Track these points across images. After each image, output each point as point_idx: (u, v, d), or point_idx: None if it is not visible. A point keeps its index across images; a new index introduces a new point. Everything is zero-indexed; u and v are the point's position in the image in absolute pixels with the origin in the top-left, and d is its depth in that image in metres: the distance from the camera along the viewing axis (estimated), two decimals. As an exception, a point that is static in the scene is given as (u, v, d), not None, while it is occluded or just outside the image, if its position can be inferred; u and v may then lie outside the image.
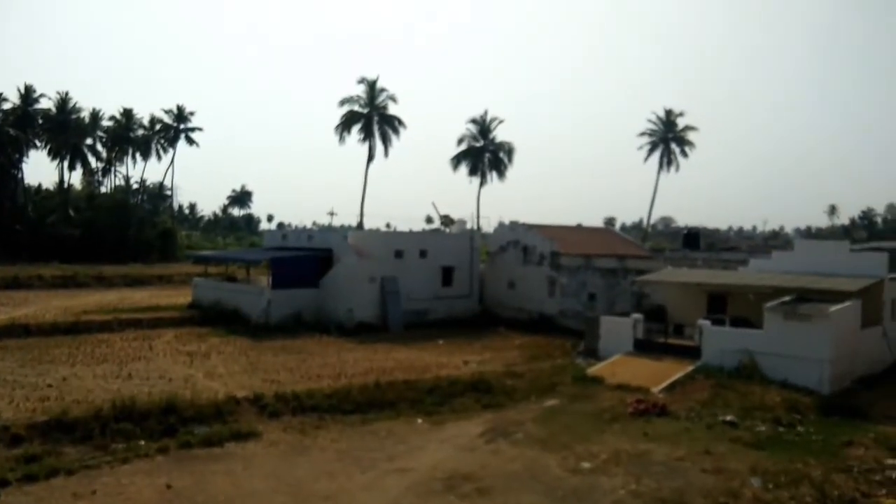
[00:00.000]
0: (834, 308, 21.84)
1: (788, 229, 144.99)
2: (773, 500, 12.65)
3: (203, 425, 16.86)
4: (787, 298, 23.19)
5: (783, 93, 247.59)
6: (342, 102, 66.59)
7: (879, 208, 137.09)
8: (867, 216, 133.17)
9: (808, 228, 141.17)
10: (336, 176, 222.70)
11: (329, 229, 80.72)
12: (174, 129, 79.32)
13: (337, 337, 30.52)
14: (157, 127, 79.48)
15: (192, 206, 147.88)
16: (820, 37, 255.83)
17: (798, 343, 21.54)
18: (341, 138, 66.99)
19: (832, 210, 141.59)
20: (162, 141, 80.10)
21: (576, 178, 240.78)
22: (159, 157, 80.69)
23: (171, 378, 21.24)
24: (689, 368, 22.96)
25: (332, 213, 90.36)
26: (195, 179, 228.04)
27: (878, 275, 25.22)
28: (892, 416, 18.76)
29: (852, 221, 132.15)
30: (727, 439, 16.66)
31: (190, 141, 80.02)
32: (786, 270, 26.67)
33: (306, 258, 35.82)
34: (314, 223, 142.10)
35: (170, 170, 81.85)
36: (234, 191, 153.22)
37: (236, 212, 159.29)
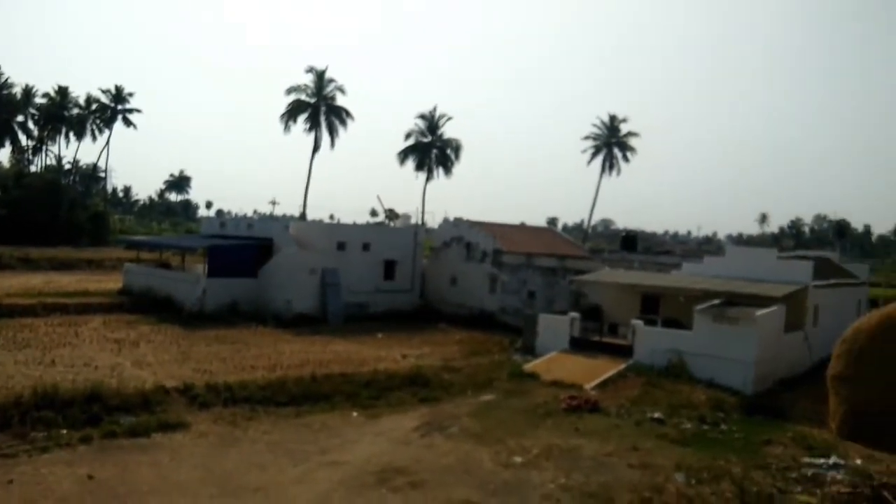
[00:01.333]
0: (760, 312, 22.73)
1: (721, 235, 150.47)
2: (695, 496, 13.08)
3: (129, 415, 16.32)
4: (716, 302, 24.01)
5: (721, 106, 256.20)
6: (289, 91, 65.57)
7: (807, 218, 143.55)
8: (795, 225, 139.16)
9: (740, 235, 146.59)
10: (280, 165, 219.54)
11: (270, 219, 79.40)
12: (111, 110, 76.52)
13: (274, 328, 30.01)
14: (94, 107, 76.49)
15: (127, 190, 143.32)
16: (756, 54, 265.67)
17: (725, 345, 22.36)
18: (286, 127, 65.97)
19: (763, 219, 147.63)
20: (98, 121, 77.16)
21: (521, 177, 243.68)
22: (94, 138, 77.82)
23: (98, 366, 20.47)
24: (622, 366, 23.54)
25: (274, 203, 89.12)
26: (131, 162, 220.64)
27: (802, 282, 26.37)
28: (809, 417, 19.58)
29: (781, 230, 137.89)
30: (654, 436, 17.14)
31: (127, 122, 77.40)
32: (716, 275, 27.62)
33: (245, 247, 35.09)
34: (255, 212, 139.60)
35: (105, 151, 79.04)
36: (171, 175, 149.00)
37: (173, 197, 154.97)
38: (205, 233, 42.01)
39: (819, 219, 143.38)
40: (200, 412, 17.25)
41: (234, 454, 14.56)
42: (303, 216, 70.30)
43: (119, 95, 76.50)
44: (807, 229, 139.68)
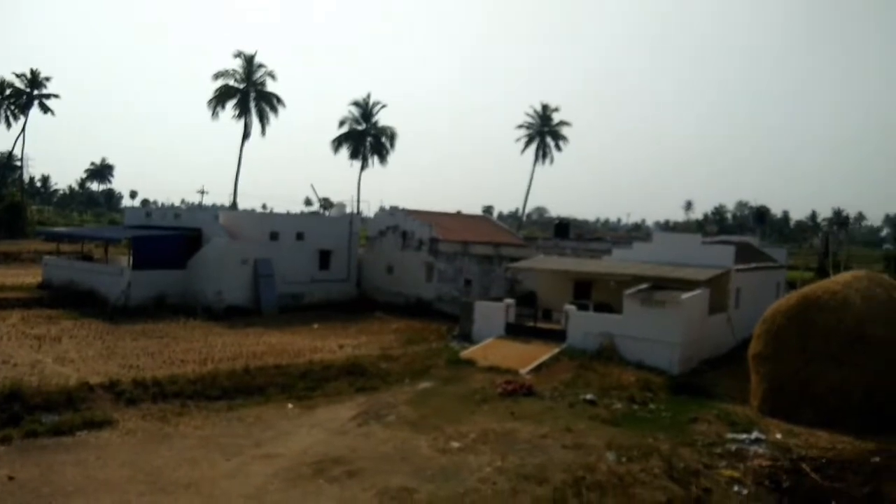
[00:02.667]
0: (685, 296, 23.58)
1: (649, 222, 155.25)
2: (625, 473, 13.50)
3: (52, 413, 15.67)
4: (644, 286, 24.76)
5: (649, 98, 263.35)
6: (216, 76, 63.53)
7: (730, 205, 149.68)
8: (719, 212, 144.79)
9: (667, 222, 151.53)
10: (208, 153, 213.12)
11: (199, 208, 77.03)
12: (27, 95, 72.48)
13: (204, 321, 29.23)
14: (7, 92, 72.26)
15: (45, 179, 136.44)
16: (683, 49, 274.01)
17: (653, 327, 23.11)
18: (214, 113, 63.93)
19: (688, 206, 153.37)
20: (12, 107, 72.95)
21: (457, 166, 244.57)
22: (8, 125, 73.50)
23: (17, 363, 19.53)
24: (555, 351, 24.03)
25: (202, 192, 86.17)
26: (50, 150, 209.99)
27: (725, 266, 27.46)
28: (732, 395, 20.48)
29: (705, 216, 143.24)
30: (587, 417, 17.59)
31: (44, 108, 73.49)
32: (645, 260, 28.46)
33: (172, 237, 33.97)
34: (183, 201, 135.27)
35: (20, 139, 74.82)
36: (93, 164, 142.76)
37: (95, 187, 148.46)
38: (129, 223, 40.39)
39: (741, 205, 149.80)
40: (128, 409, 16.68)
41: (164, 450, 14.15)
42: (233, 205, 68.50)
43: (35, 80, 72.55)
44: (729, 216, 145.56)
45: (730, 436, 16.50)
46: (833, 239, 73.56)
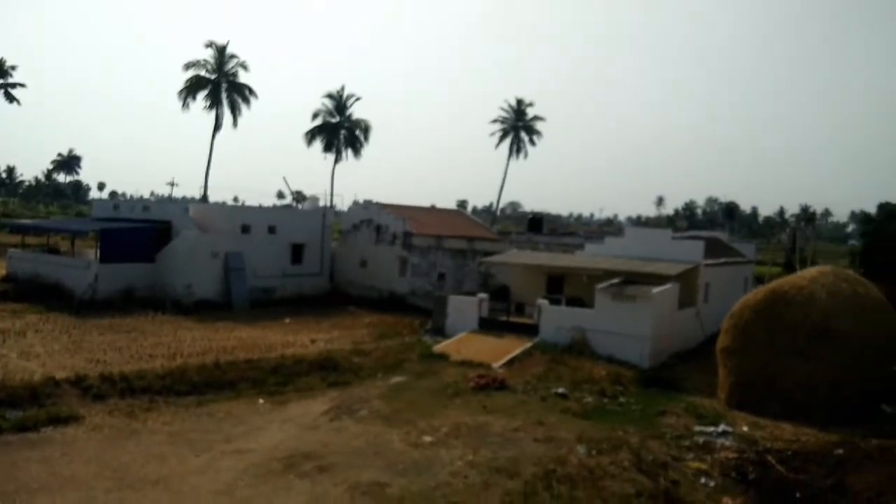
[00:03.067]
0: (656, 290, 23.86)
1: (621, 217, 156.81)
2: (595, 466, 13.63)
3: (16, 409, 15.36)
4: (616, 280, 25.01)
5: (622, 95, 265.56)
6: (187, 66, 62.47)
7: (700, 201, 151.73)
8: (689, 207, 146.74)
9: (638, 217, 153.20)
10: (179, 145, 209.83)
11: (168, 201, 75.89)
12: (-10, 84, 70.68)
13: (174, 315, 28.82)
14: (-31, 80, 70.41)
15: (11, 170, 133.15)
16: (654, 47, 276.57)
17: (624, 321, 23.35)
18: (185, 104, 62.88)
19: (659, 201, 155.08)
20: (-25, 96, 71.09)
21: (432, 161, 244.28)
22: (-30, 115, 71.66)
23: (-22, 359, 19.09)
24: (528, 345, 24.16)
25: (172, 184, 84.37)
26: (15, 141, 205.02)
27: (694, 260, 27.85)
28: (700, 388, 20.80)
29: (676, 212, 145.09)
30: (558, 410, 17.73)
31: (10, 98, 71.72)
32: (616, 255, 28.74)
33: (141, 230, 33.40)
34: (153, 194, 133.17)
35: (-18, 128, 72.93)
36: (60, 155, 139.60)
37: (62, 178, 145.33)
38: (97, 216, 39.60)
39: (711, 201, 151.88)
40: (95, 404, 16.41)
41: (132, 446, 13.95)
42: (204, 198, 67.51)
43: (0, 69, 70.75)
44: (699, 211, 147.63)
45: (698, 428, 16.76)
46: (800, 235, 74.96)
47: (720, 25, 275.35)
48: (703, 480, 13.33)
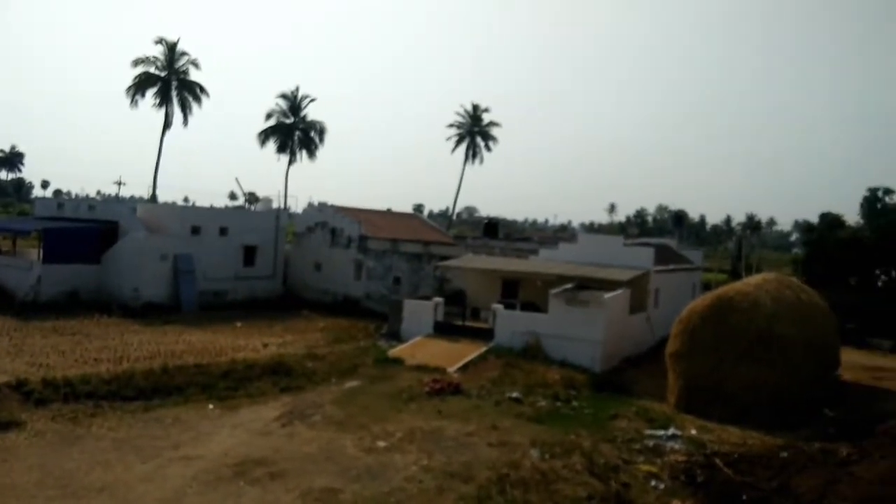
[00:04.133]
0: (608, 295, 24.25)
1: (575, 223, 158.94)
2: (548, 469, 13.75)
3: (-49, 416, 14.69)
4: (569, 286, 25.32)
5: (575, 105, 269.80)
6: (136, 63, 60.83)
7: (651, 208, 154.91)
8: (640, 215, 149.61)
9: (591, 223, 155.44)
10: (127, 143, 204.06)
11: (115, 200, 73.79)
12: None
13: (120, 318, 27.99)
14: None
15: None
16: (606, 58, 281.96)
17: (577, 326, 23.67)
18: (133, 102, 61.22)
19: (612, 208, 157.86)
20: None
21: (388, 164, 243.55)
22: None
23: None
24: (483, 349, 24.27)
25: (119, 183, 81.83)
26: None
27: (645, 267, 28.42)
28: (651, 392, 21.20)
29: (628, 219, 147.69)
30: (512, 414, 17.83)
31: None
32: (570, 260, 29.11)
33: (86, 230, 32.38)
34: (99, 193, 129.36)
35: (-84, 121, 69.73)
36: (1, 151, 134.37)
37: (4, 176, 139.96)
38: (40, 215, 38.23)
39: (661, 209, 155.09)
40: (37, 409, 15.82)
41: (76, 453, 13.49)
42: (153, 198, 65.79)
43: (-67, 59, 67.82)
44: (650, 218, 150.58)
45: (648, 432, 17.06)
46: (746, 243, 77.33)
47: (671, 35, 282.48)
48: (653, 483, 13.57)
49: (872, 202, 46.42)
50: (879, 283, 42.64)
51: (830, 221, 46.73)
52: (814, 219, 52.98)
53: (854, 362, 26.29)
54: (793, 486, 12.87)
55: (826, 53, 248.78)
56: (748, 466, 14.29)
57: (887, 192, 45.47)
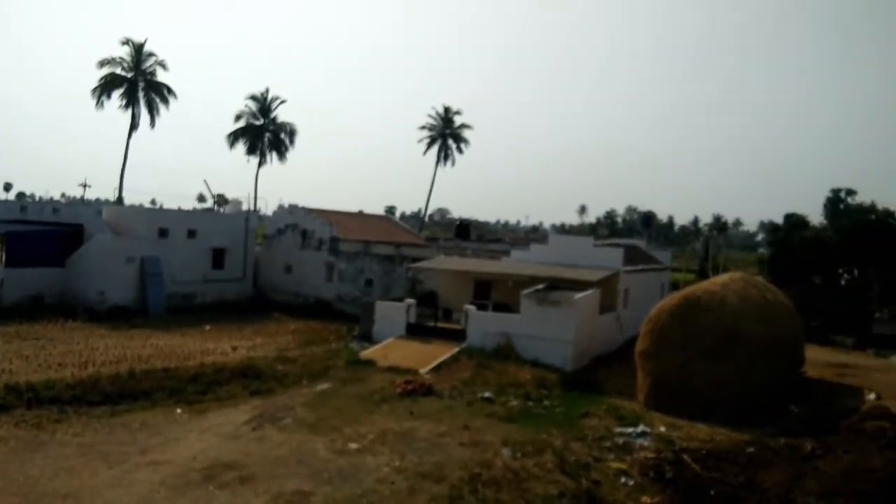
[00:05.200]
0: (578, 296, 24.46)
1: (546, 225, 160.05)
2: (520, 468, 13.82)
3: None
4: (540, 286, 25.49)
5: (546, 107, 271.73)
6: (102, 63, 59.78)
7: (620, 210, 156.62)
8: (610, 216, 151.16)
9: (562, 225, 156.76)
10: (92, 145, 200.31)
11: (81, 203, 72.35)
12: None
13: (86, 322, 27.47)
14: None
15: None
16: (575, 60, 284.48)
17: (548, 326, 23.83)
18: (99, 103, 60.12)
19: (582, 209, 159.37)
20: None
21: (360, 166, 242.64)
22: None
23: None
24: (455, 350, 24.30)
25: (85, 186, 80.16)
26: None
27: (615, 267, 28.71)
28: (621, 390, 21.38)
29: (598, 220, 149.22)
30: (484, 414, 17.87)
31: None
32: (541, 261, 29.31)
33: (50, 233, 31.74)
34: (64, 196, 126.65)
35: None
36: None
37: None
38: (2, 218, 37.25)
39: (630, 210, 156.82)
40: (-2, 416, 15.44)
41: (40, 459, 13.19)
42: (119, 200, 64.64)
43: None
44: (620, 219, 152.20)
45: (618, 429, 17.22)
46: (713, 243, 78.59)
47: (639, 37, 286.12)
48: (623, 480, 13.71)
49: (835, 203, 47.57)
50: (842, 282, 43.70)
51: (795, 222, 47.71)
52: (779, 219, 54.03)
53: (818, 359, 26.86)
54: (759, 481, 13.09)
55: (792, 57, 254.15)
56: (716, 462, 14.52)
57: (849, 193, 46.68)
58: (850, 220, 41.95)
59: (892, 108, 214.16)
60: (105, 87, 60.03)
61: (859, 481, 12.07)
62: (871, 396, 21.14)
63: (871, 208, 42.68)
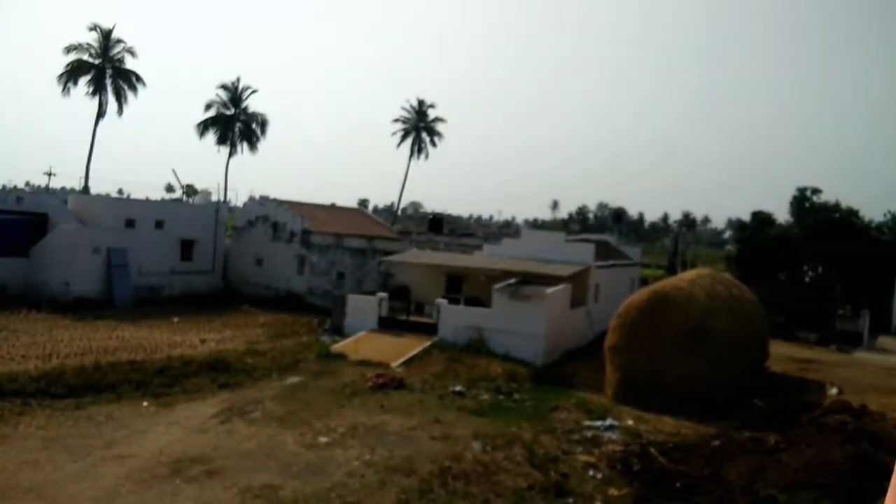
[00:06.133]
0: (550, 290, 24.63)
1: (519, 220, 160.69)
2: (490, 461, 13.90)
3: None
4: (512, 281, 25.61)
5: (519, 105, 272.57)
6: (68, 49, 58.34)
7: (592, 206, 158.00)
8: (582, 212, 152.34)
9: (535, 220, 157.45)
10: (58, 132, 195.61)
11: (45, 192, 70.69)
12: None
13: (50, 313, 26.90)
14: None
15: None
16: (556, 51, 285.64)
17: (519, 320, 23.97)
18: (65, 90, 58.70)
19: (554, 205, 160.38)
20: None
21: (333, 159, 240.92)
22: None
23: None
24: (427, 344, 24.31)
25: (50, 174, 78.40)
26: None
27: (586, 262, 28.97)
28: (590, 384, 21.62)
29: (570, 216, 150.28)
30: (455, 408, 17.93)
31: None
32: (513, 256, 29.46)
33: (13, 222, 30.94)
34: (28, 184, 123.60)
35: None
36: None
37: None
38: (-38, 206, 36.39)
39: (601, 206, 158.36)
40: (-42, 410, 15.06)
41: (2, 453, 12.92)
42: (85, 190, 63.30)
43: None
44: (591, 215, 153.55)
45: (587, 423, 17.41)
46: (682, 239, 79.64)
47: (609, 33, 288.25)
48: (591, 473, 13.86)
49: (801, 201, 48.47)
50: (807, 279, 44.69)
51: (762, 220, 48.58)
52: (746, 217, 54.97)
53: (782, 354, 27.45)
54: (724, 474, 13.33)
55: (760, 57, 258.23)
56: (682, 455, 14.75)
57: (815, 191, 47.57)
58: (815, 219, 42.82)
59: (858, 108, 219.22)
60: (71, 74, 58.62)
61: (821, 474, 12.36)
62: (833, 391, 21.68)
63: (836, 207, 43.61)
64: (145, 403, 16.97)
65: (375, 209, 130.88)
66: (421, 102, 77.17)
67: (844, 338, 34.88)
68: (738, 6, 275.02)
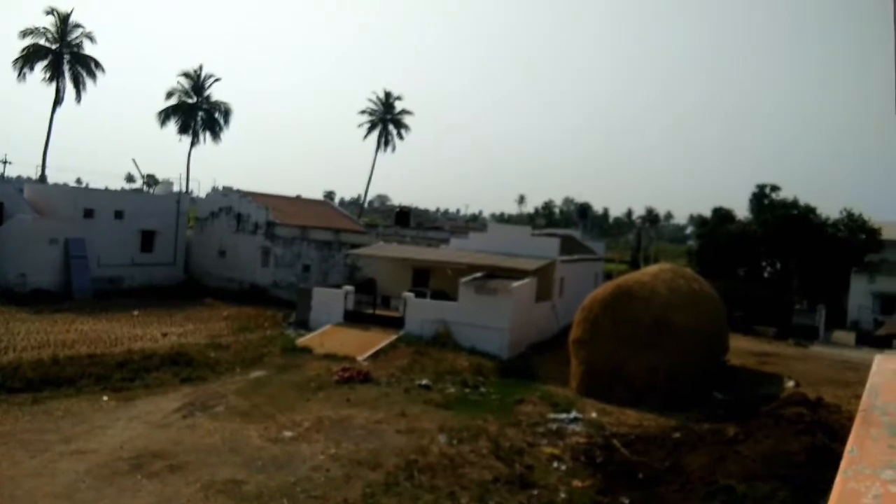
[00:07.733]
0: (515, 284, 24.78)
1: (486, 213, 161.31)
2: (455, 454, 13.96)
3: None
4: (479, 274, 25.70)
5: (483, 93, 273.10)
6: (24, 34, 56.53)
7: (558, 200, 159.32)
8: (548, 207, 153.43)
9: (502, 214, 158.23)
10: (13, 119, 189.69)
11: (0, 180, 68.57)
12: None
13: (5, 306, 26.16)
14: None
15: None
16: (523, 47, 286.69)
17: (485, 314, 24.08)
18: (21, 75, 56.90)
19: (521, 199, 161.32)
20: None
21: (299, 149, 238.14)
22: None
23: None
24: (393, 337, 24.28)
25: (5, 162, 75.96)
26: None
27: (551, 256, 29.21)
28: (555, 377, 21.84)
29: (536, 210, 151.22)
30: (421, 401, 17.95)
31: None
32: (480, 249, 29.54)
33: (-34, 212, 30.03)
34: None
35: None
36: None
37: None
38: (-89, 194, 35.09)
39: (567, 201, 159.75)
40: None
41: (-47, 450, 12.52)
42: (42, 179, 61.53)
43: None
44: (557, 210, 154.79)
45: (551, 416, 17.60)
46: (645, 235, 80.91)
47: (574, 30, 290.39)
48: (555, 465, 14.03)
49: (760, 198, 49.39)
50: (765, 274, 45.75)
51: (722, 216, 49.44)
52: (707, 213, 55.88)
53: (741, 348, 28.08)
54: (684, 465, 13.61)
55: (721, 54, 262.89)
56: (644, 447, 15.02)
57: (773, 188, 48.50)
58: (774, 215, 43.72)
59: (819, 107, 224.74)
60: (27, 59, 56.76)
61: (778, 464, 12.69)
62: (791, 384, 22.27)
63: (794, 204, 44.57)
64: (105, 398, 16.63)
65: (342, 202, 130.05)
66: (388, 94, 76.72)
67: (801, 332, 35.85)
68: (702, 4, 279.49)
